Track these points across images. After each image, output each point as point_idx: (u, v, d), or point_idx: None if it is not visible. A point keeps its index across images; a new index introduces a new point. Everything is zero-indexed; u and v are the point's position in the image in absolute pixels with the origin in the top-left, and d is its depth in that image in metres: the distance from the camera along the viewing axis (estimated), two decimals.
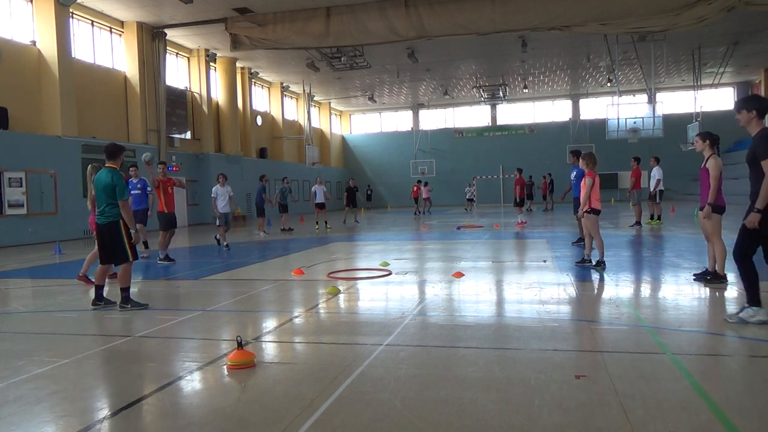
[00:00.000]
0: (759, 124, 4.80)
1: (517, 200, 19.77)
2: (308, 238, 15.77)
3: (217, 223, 13.31)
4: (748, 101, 4.91)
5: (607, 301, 6.07)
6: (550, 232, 15.24)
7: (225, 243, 13.13)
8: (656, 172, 15.22)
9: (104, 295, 6.54)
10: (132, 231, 6.44)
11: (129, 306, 6.30)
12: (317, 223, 19.26)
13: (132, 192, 10.98)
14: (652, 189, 15.52)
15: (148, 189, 11.37)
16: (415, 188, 29.15)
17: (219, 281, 8.45)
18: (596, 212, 8.28)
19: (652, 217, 16.02)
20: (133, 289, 8.07)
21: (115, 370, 4.18)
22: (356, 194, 22.74)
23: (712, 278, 6.67)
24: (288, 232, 17.94)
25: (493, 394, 3.39)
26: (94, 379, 4.04)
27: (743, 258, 4.83)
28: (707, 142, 6.62)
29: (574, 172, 11.28)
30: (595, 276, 7.63)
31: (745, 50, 28.27)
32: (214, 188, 13.33)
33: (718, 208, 6.47)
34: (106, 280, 6.76)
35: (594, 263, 8.27)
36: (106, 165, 6.45)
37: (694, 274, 7.05)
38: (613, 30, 18.13)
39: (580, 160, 8.83)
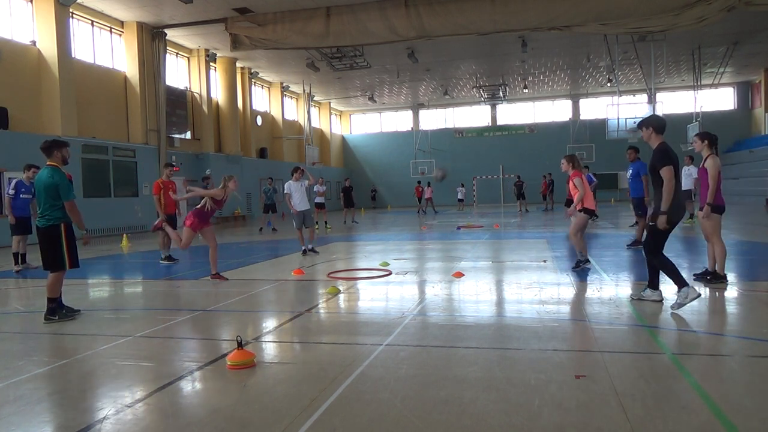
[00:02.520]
0: (658, 139, 5.56)
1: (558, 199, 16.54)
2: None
3: (295, 226, 11.15)
4: (646, 121, 5.65)
5: (607, 301, 6.07)
6: (550, 232, 15.23)
7: (310, 246, 11.36)
8: (693, 171, 15.11)
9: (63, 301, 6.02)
10: (83, 232, 6.07)
11: (56, 318, 5.74)
12: (317, 223, 19.25)
13: (21, 196, 10.01)
14: (692, 186, 15.16)
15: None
16: (421, 189, 29.30)
17: (219, 281, 8.44)
18: (589, 212, 8.25)
19: (691, 216, 15.99)
20: (135, 289, 8.09)
21: (115, 370, 4.17)
22: (352, 193, 22.73)
23: (712, 278, 6.68)
24: (273, 232, 18.17)
25: (493, 394, 3.39)
26: (94, 379, 4.04)
27: (657, 253, 5.48)
28: (706, 142, 6.63)
29: (630, 170, 10.83)
30: (595, 276, 7.63)
31: (745, 50, 28.26)
32: (286, 184, 11.17)
33: (718, 208, 6.48)
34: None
35: (575, 264, 8.21)
36: (47, 163, 5.95)
37: (694, 274, 7.04)
38: (613, 30, 18.12)
39: (563, 162, 8.43)
